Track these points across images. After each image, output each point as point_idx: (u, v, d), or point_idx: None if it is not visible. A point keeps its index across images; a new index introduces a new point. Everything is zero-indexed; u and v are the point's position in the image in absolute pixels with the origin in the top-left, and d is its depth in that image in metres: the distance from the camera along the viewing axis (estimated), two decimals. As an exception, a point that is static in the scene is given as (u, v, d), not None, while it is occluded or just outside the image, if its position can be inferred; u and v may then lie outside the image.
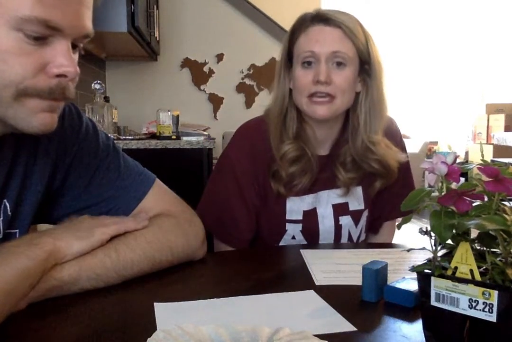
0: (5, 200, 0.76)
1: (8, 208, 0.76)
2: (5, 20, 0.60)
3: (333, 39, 1.08)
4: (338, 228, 1.19)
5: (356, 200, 1.20)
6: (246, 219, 1.16)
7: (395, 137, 1.22)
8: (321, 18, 1.10)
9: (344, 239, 1.21)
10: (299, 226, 1.17)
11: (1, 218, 0.76)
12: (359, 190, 1.20)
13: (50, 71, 0.64)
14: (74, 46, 0.68)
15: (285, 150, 1.12)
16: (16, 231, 0.79)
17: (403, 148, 1.23)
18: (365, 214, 1.22)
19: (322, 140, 1.18)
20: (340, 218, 1.19)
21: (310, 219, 1.17)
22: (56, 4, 0.61)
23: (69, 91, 0.67)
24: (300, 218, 1.17)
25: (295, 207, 1.16)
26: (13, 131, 0.70)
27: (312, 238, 1.18)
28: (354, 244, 1.23)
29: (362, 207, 1.20)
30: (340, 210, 1.19)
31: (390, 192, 1.22)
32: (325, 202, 1.18)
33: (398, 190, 1.20)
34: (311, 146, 1.15)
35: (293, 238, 1.18)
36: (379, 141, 1.15)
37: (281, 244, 1.19)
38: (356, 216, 1.20)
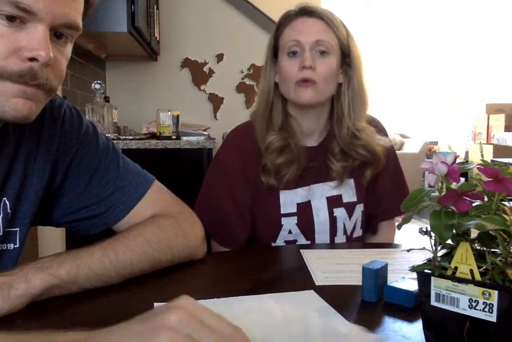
0: (4, 198, 0.76)
1: (8, 205, 0.77)
2: None
3: (317, 29, 1.15)
4: (332, 220, 1.22)
5: (349, 192, 1.23)
6: (239, 220, 1.19)
7: (378, 125, 1.27)
8: (304, 11, 1.17)
9: (339, 232, 1.23)
10: (294, 219, 1.19)
11: (1, 215, 0.76)
12: (351, 182, 1.23)
13: (23, 54, 0.63)
14: (60, 37, 0.67)
15: (269, 141, 1.17)
16: (16, 229, 0.79)
17: (386, 135, 1.28)
18: (360, 208, 1.24)
19: (308, 132, 1.23)
20: (334, 210, 1.22)
21: (304, 211, 1.20)
22: None
23: (43, 78, 0.66)
24: (295, 210, 1.19)
25: (289, 199, 1.19)
26: None
27: (308, 231, 1.21)
28: (354, 244, 1.23)
29: (355, 199, 1.23)
30: (334, 202, 1.22)
31: (382, 186, 1.26)
32: (319, 194, 1.21)
33: (391, 186, 1.26)
34: (296, 137, 1.20)
35: (290, 232, 1.20)
36: (363, 128, 1.20)
37: (278, 240, 1.20)
38: (349, 208, 1.23)
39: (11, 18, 0.62)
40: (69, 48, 0.70)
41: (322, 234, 1.21)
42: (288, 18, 1.19)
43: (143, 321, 0.45)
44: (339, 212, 1.22)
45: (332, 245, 1.21)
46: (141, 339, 0.43)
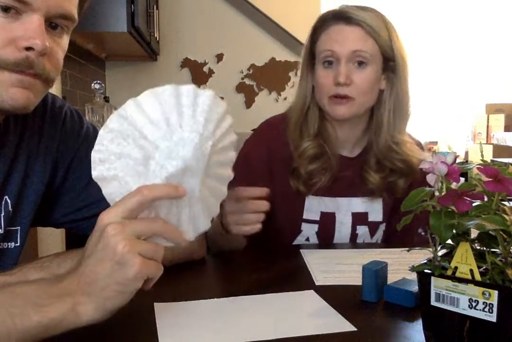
0: (6, 196, 0.77)
1: (9, 204, 0.77)
2: None
3: (354, 39, 1.07)
4: (353, 237, 1.17)
5: (376, 211, 1.18)
6: None
7: (414, 140, 1.22)
8: (341, 16, 1.09)
9: None
10: (315, 227, 1.15)
11: (2, 213, 0.76)
12: (379, 201, 1.18)
13: (18, 43, 0.64)
14: (55, 27, 0.68)
15: (304, 147, 1.11)
16: (17, 228, 0.80)
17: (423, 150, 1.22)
18: (382, 228, 1.20)
19: (344, 140, 1.17)
20: (358, 227, 1.17)
21: (327, 221, 1.15)
22: None
23: (40, 67, 0.66)
24: (317, 218, 1.15)
25: (314, 206, 1.14)
26: None
27: (325, 243, 1.16)
28: (353, 244, 1.22)
29: (380, 218, 1.18)
30: (359, 219, 1.17)
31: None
32: (345, 209, 1.16)
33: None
34: (331, 145, 1.14)
35: (307, 239, 1.16)
36: (403, 141, 1.13)
37: (294, 243, 1.17)
38: (373, 227, 1.19)
39: (6, 9, 0.63)
40: (65, 40, 0.71)
41: None
42: (325, 22, 1.11)
43: (95, 252, 0.54)
44: (362, 230, 1.18)
45: (332, 245, 1.19)
46: (114, 266, 0.53)
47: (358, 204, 1.17)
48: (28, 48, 0.64)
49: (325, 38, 1.10)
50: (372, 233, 1.19)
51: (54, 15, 0.66)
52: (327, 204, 1.15)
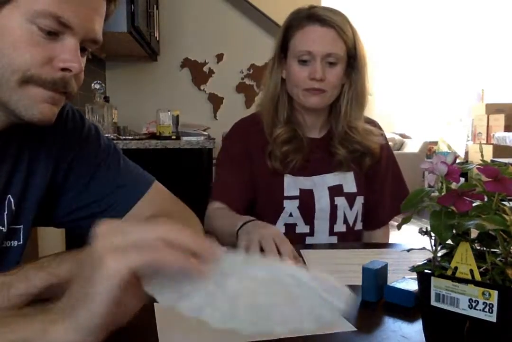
0: (9, 195, 0.78)
1: (12, 202, 0.78)
2: (22, 12, 0.65)
3: (328, 41, 1.19)
4: (333, 207, 1.26)
5: (349, 183, 1.28)
6: (241, 186, 1.24)
7: (377, 126, 1.35)
8: (316, 18, 1.19)
9: (339, 220, 1.26)
10: (296, 202, 1.24)
11: (5, 212, 0.77)
12: (351, 174, 1.28)
13: (56, 64, 0.68)
14: (83, 50, 0.72)
15: (277, 133, 1.24)
16: (20, 226, 0.81)
17: (383, 136, 1.34)
18: (360, 200, 1.28)
19: (311, 125, 1.30)
20: (335, 198, 1.26)
21: (306, 196, 1.25)
22: (71, 3, 0.66)
23: (71, 86, 0.71)
24: (297, 194, 1.24)
25: (292, 183, 1.25)
26: (14, 121, 0.73)
27: (308, 216, 1.24)
28: (354, 244, 1.23)
29: (355, 190, 1.28)
30: (335, 191, 1.26)
31: (380, 177, 1.31)
32: (321, 185, 1.26)
33: (389, 185, 1.32)
34: (301, 129, 1.27)
35: (290, 215, 1.24)
36: (358, 126, 1.26)
37: (279, 222, 1.24)
38: (350, 198, 1.27)
39: (49, 32, 0.66)
40: (85, 59, 0.75)
41: (321, 220, 1.25)
42: (300, 21, 1.21)
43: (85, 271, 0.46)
44: (340, 201, 1.26)
45: (332, 245, 1.21)
46: (94, 276, 0.44)
47: (331, 178, 1.27)
48: (64, 69, 0.68)
49: (302, 38, 1.21)
50: (350, 204, 1.27)
51: (87, 39, 0.71)
52: (303, 182, 1.26)
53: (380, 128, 1.35)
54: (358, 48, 1.23)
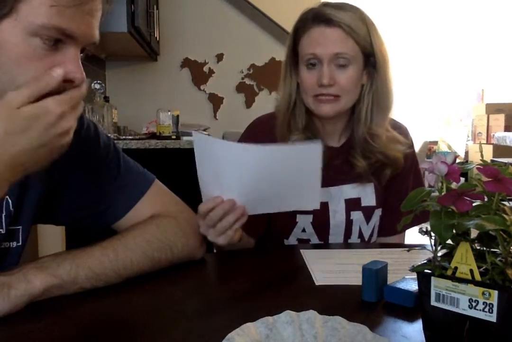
0: (7, 196, 0.77)
1: (10, 203, 0.78)
2: (24, 26, 0.62)
3: (335, 41, 1.10)
4: (348, 223, 1.20)
5: (368, 196, 1.20)
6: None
7: (404, 132, 1.24)
8: (322, 18, 1.11)
9: (354, 236, 1.21)
10: (310, 218, 1.17)
11: (4, 213, 0.77)
12: (370, 187, 1.20)
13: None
14: (81, 51, 0.71)
15: (293, 140, 1.15)
16: (19, 227, 0.80)
17: (411, 146, 1.24)
18: (378, 213, 1.22)
19: (329, 132, 1.21)
20: (351, 213, 1.19)
21: (321, 211, 1.15)
22: (72, 13, 0.64)
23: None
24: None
25: None
26: None
27: (322, 232, 1.19)
28: (354, 244, 1.22)
29: (373, 203, 1.21)
30: (352, 205, 1.19)
31: (400, 189, 1.22)
32: (337, 197, 1.19)
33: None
34: (318, 137, 1.17)
35: (303, 230, 1.18)
36: (380, 134, 1.16)
37: (291, 237, 1.19)
38: (367, 213, 1.20)
39: (55, 41, 0.64)
40: (83, 56, 0.74)
41: (336, 235, 1.20)
42: (306, 24, 1.13)
43: None
44: (356, 216, 1.20)
45: (332, 245, 1.20)
46: None
47: (349, 190, 1.19)
48: (67, 80, 0.65)
49: (307, 41, 1.13)
50: (367, 218, 1.21)
51: (87, 44, 0.70)
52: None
53: (407, 135, 1.25)
54: (375, 44, 1.12)
